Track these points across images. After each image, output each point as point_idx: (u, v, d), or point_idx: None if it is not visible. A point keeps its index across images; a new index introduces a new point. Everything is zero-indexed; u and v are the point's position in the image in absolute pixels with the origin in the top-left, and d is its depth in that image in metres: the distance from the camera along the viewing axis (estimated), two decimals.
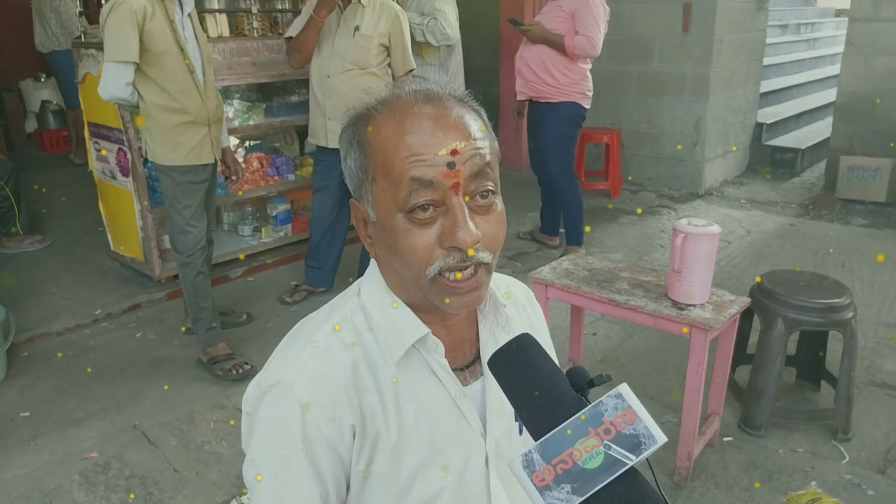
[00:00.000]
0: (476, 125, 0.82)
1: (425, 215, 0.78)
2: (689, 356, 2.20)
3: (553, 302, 2.58)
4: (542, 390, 0.66)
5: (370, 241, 0.87)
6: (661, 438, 0.59)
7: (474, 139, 0.80)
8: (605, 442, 0.58)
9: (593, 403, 0.61)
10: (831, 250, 4.20)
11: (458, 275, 0.80)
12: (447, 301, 0.81)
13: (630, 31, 5.49)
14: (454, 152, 0.77)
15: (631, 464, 0.58)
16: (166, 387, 2.88)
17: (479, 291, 0.82)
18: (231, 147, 3.19)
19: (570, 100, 3.93)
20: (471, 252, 0.79)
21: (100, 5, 3.56)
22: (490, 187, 0.81)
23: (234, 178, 3.16)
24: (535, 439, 0.62)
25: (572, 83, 3.92)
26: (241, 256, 4.00)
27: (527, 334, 0.73)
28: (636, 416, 0.59)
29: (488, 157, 0.81)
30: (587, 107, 4.03)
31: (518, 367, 0.69)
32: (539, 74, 3.93)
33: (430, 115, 0.80)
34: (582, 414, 0.60)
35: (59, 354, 3.14)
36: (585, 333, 3.04)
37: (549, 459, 0.58)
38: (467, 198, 0.79)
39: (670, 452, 2.29)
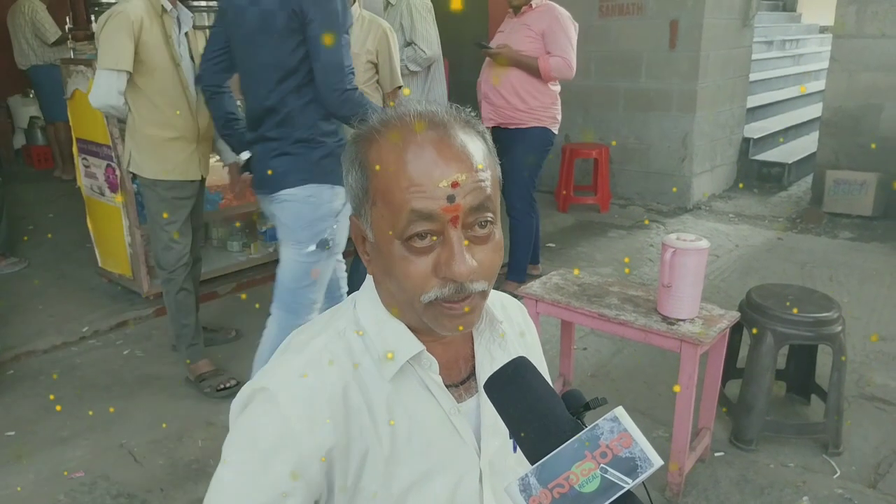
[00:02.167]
0: (479, 154, 0.81)
1: (423, 244, 0.78)
2: (679, 371, 2.20)
3: (543, 317, 2.58)
4: (537, 414, 0.66)
5: (368, 258, 0.87)
6: (658, 461, 0.58)
7: (476, 171, 0.79)
8: (602, 465, 0.58)
9: (589, 427, 0.61)
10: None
11: (459, 325, 0.82)
12: (442, 323, 0.81)
13: (617, 48, 5.55)
14: (455, 185, 0.76)
15: (627, 487, 0.58)
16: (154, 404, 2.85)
17: (472, 315, 0.82)
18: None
19: (542, 125, 3.72)
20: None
21: (87, 20, 3.56)
22: (490, 218, 0.80)
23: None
24: (532, 463, 0.62)
25: (544, 107, 3.71)
26: (243, 296, 3.97)
27: (523, 357, 0.73)
28: (632, 440, 0.59)
29: (489, 190, 0.80)
30: (556, 132, 3.83)
31: (514, 390, 0.69)
32: (509, 100, 3.69)
33: (433, 142, 0.79)
34: (578, 437, 0.60)
35: (55, 376, 3.10)
36: (576, 348, 3.04)
37: (546, 483, 0.58)
38: (475, 234, 0.79)
39: (661, 468, 2.28)
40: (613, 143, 5.67)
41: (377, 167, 0.80)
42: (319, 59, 2.16)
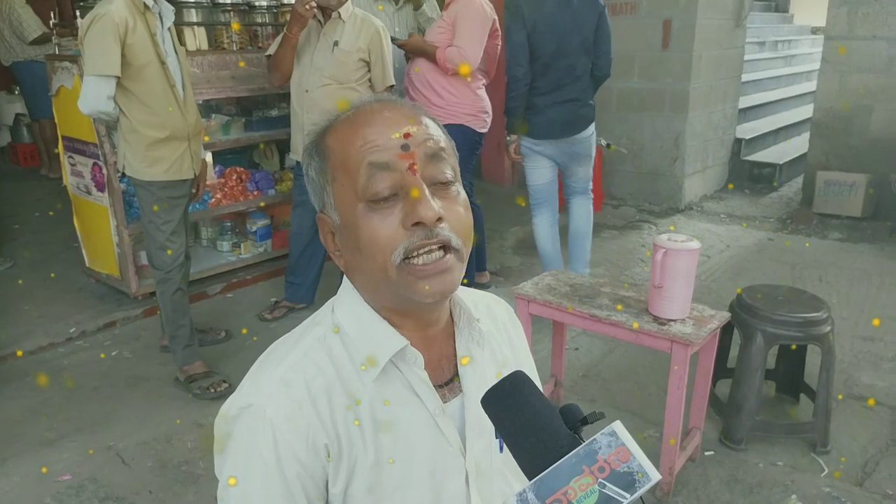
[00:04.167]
0: (429, 121, 0.85)
1: (386, 202, 0.79)
2: (670, 371, 2.20)
3: (535, 317, 2.58)
4: (535, 429, 0.65)
5: (338, 254, 0.88)
6: (656, 476, 0.58)
7: (427, 126, 0.83)
8: (600, 480, 0.58)
9: (587, 441, 0.61)
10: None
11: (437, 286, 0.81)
12: (418, 288, 0.80)
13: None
14: (407, 135, 0.80)
15: (626, 502, 0.57)
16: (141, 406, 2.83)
17: (450, 275, 0.81)
18: (207, 161, 3.13)
19: (458, 122, 3.48)
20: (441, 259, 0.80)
21: (74, 16, 3.52)
22: (449, 175, 0.82)
23: (194, 190, 3.04)
24: (530, 478, 0.61)
25: (460, 104, 3.52)
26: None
27: (520, 372, 0.72)
28: (630, 454, 0.58)
29: (443, 143, 0.83)
30: (481, 131, 3.63)
31: (511, 405, 0.69)
32: (424, 94, 3.53)
33: (384, 110, 0.83)
34: (576, 452, 0.60)
35: (43, 380, 3.07)
36: (567, 348, 3.04)
37: (544, 499, 0.58)
38: (436, 187, 0.81)
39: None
40: (613, 147, 5.66)
41: (333, 144, 0.84)
42: (605, 42, 3.48)
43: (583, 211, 3.79)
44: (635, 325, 2.21)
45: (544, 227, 3.68)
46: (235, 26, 3.93)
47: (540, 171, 3.61)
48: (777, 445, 2.57)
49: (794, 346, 2.46)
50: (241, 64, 3.71)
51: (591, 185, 3.82)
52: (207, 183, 3.73)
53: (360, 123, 0.82)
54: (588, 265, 3.80)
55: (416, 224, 0.78)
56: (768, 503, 2.28)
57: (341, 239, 0.85)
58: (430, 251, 0.79)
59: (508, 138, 3.58)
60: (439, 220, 0.78)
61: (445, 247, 0.80)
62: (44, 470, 2.41)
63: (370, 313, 0.87)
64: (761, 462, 2.48)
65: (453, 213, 0.81)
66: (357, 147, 0.80)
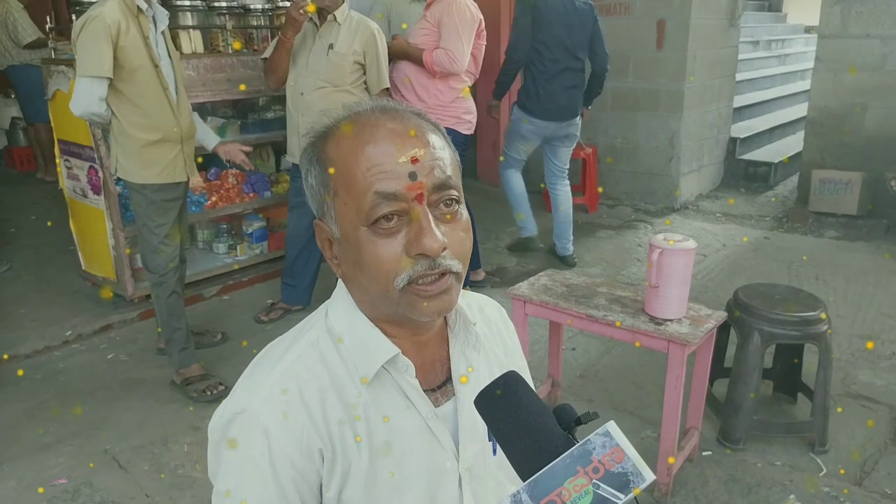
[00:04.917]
0: (434, 136, 0.83)
1: (389, 225, 0.78)
2: (667, 371, 2.20)
3: (531, 318, 2.58)
4: (529, 429, 0.65)
5: (336, 262, 0.87)
6: (650, 476, 0.58)
7: (434, 148, 0.80)
8: (594, 481, 0.58)
9: (581, 442, 0.61)
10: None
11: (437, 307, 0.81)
12: (419, 307, 0.80)
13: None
14: (414, 160, 0.78)
15: (620, 503, 0.57)
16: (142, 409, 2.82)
17: (449, 296, 0.81)
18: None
19: (443, 125, 3.56)
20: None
21: (70, 20, 3.51)
22: (454, 195, 0.81)
23: (241, 158, 3.06)
24: (523, 479, 0.61)
25: (442, 106, 3.50)
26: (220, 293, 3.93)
27: (513, 372, 0.72)
28: (624, 454, 0.58)
29: (449, 170, 0.81)
30: (466, 133, 3.63)
31: (505, 405, 0.69)
32: (406, 96, 3.51)
33: (388, 124, 0.81)
34: (570, 453, 0.60)
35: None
36: (564, 348, 3.04)
37: (538, 499, 0.58)
38: (441, 212, 0.80)
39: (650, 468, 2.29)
40: (608, 159, 5.67)
41: (335, 156, 0.81)
42: (602, 41, 4.11)
43: (566, 195, 4.41)
44: (637, 345, 2.21)
45: (517, 176, 4.34)
46: (237, 45, 3.94)
47: (531, 144, 4.28)
48: (775, 445, 2.57)
49: (795, 360, 2.45)
50: (242, 87, 3.72)
51: (567, 168, 4.44)
52: (202, 186, 3.74)
53: (364, 139, 0.79)
54: (572, 243, 4.42)
55: (421, 254, 0.78)
56: (767, 503, 2.28)
57: (340, 251, 0.85)
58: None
59: (493, 102, 4.21)
60: (443, 248, 0.78)
61: (446, 271, 0.80)
62: (40, 488, 2.39)
63: (363, 320, 0.87)
64: (759, 462, 2.48)
65: (455, 239, 0.81)
66: (363, 170, 0.78)
